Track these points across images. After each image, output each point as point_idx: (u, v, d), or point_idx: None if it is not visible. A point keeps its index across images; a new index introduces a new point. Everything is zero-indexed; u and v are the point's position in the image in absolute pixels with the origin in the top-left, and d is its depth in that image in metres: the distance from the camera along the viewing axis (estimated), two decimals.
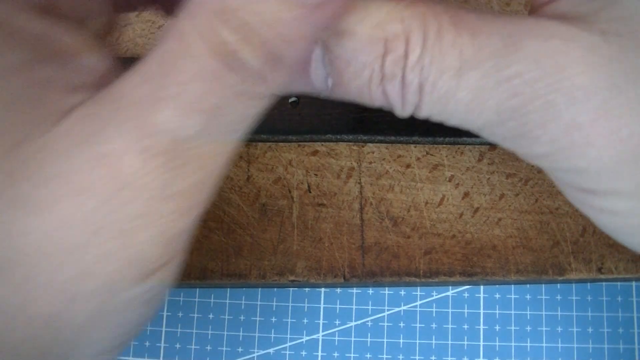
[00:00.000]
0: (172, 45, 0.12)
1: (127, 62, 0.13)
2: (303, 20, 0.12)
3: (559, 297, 0.24)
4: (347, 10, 0.13)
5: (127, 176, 0.12)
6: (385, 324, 0.23)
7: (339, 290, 0.24)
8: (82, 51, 0.13)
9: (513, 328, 0.23)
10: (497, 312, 0.24)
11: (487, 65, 0.14)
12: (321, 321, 0.23)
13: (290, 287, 0.24)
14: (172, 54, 0.12)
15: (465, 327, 0.23)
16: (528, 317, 0.24)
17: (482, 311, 0.24)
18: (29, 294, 0.12)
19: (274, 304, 0.24)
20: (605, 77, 0.14)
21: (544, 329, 0.23)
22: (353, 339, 0.23)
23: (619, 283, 0.24)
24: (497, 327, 0.23)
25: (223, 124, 0.13)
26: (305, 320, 0.23)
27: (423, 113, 0.15)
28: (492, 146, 0.23)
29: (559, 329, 0.23)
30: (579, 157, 0.14)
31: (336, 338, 0.23)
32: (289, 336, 0.23)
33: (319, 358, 0.23)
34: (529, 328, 0.23)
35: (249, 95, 0.13)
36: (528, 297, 0.24)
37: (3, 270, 0.12)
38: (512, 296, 0.24)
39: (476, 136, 0.23)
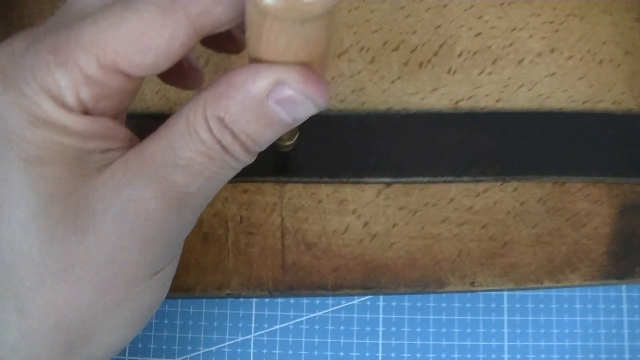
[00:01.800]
0: (184, 128, 0.19)
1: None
2: (281, 132, 0.19)
3: (444, 305, 0.30)
4: None
5: (149, 213, 0.19)
6: (304, 327, 0.29)
7: (266, 300, 0.30)
8: (114, 133, 0.20)
9: (406, 329, 0.29)
10: (394, 316, 0.29)
11: None
12: (253, 324, 0.29)
13: (227, 298, 0.29)
14: (184, 135, 0.18)
15: (368, 329, 0.29)
16: (418, 321, 0.29)
17: (381, 316, 0.29)
18: (82, 290, 0.19)
19: (216, 311, 0.30)
20: None
21: (430, 330, 0.29)
22: (278, 339, 0.29)
23: (492, 293, 0.30)
24: (393, 329, 0.29)
25: (213, 184, 0.19)
26: (240, 324, 0.29)
27: None
28: (388, 184, 0.29)
29: (443, 329, 0.29)
30: None
31: (265, 338, 0.29)
32: (227, 337, 0.29)
33: (252, 354, 0.29)
34: (418, 329, 0.29)
35: (232, 169, 0.20)
36: (419, 304, 0.29)
37: (66, 271, 0.18)
38: (406, 304, 0.30)
39: (375, 176, 0.29)
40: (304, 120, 0.19)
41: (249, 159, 0.20)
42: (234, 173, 0.20)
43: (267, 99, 0.18)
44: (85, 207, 0.18)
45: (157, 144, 0.19)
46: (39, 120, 0.18)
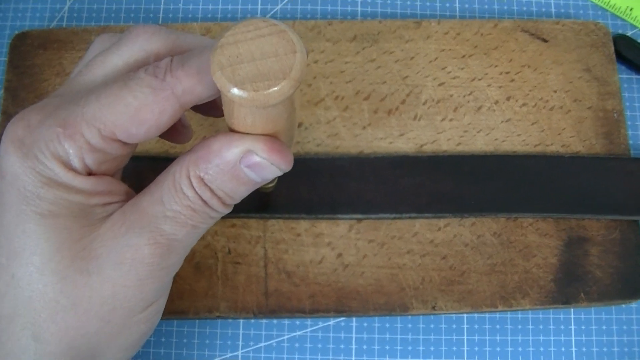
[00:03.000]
0: (170, 185, 0.23)
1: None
2: (252, 189, 0.23)
3: (410, 325, 0.33)
4: None
5: (144, 257, 0.23)
6: (286, 345, 0.33)
7: (252, 320, 0.33)
8: (113, 189, 0.24)
9: (376, 347, 0.33)
10: (365, 336, 0.33)
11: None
12: (240, 342, 0.33)
13: (217, 319, 0.33)
14: (171, 191, 0.22)
15: (342, 347, 0.33)
16: (387, 340, 0.33)
17: (354, 335, 0.33)
18: (88, 321, 0.23)
19: (207, 330, 0.33)
20: None
21: (398, 348, 0.33)
22: (263, 355, 0.33)
23: (453, 315, 0.33)
24: (365, 347, 0.33)
25: (196, 231, 0.23)
26: (229, 342, 0.33)
27: None
28: (359, 220, 0.33)
29: (409, 347, 0.33)
30: None
31: (251, 355, 0.33)
32: (217, 353, 0.33)
33: None
34: (387, 347, 0.33)
35: (212, 218, 0.24)
36: (387, 325, 0.33)
37: (75, 305, 0.22)
38: (376, 324, 0.33)
39: (348, 213, 0.33)
40: (272, 179, 0.23)
41: (226, 210, 0.24)
42: (213, 222, 0.24)
43: (239, 164, 0.22)
44: (90, 253, 0.22)
45: (149, 198, 0.23)
46: (51, 181, 0.22)
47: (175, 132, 0.27)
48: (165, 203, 0.22)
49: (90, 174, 0.23)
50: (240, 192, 0.23)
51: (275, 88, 0.18)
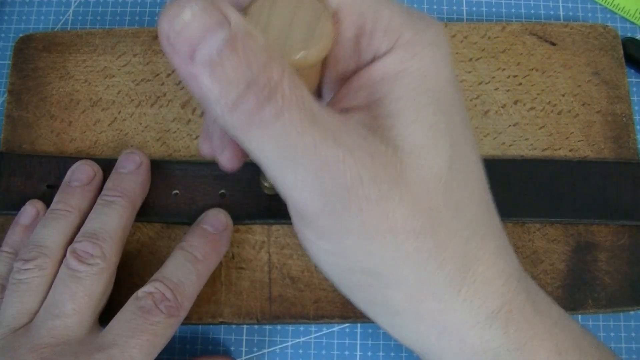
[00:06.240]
0: None
1: None
2: None
3: None
4: None
5: None
6: (289, 351, 0.33)
7: (256, 326, 0.33)
8: None
9: (381, 354, 0.33)
10: (370, 342, 0.33)
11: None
12: (243, 348, 0.33)
13: (221, 325, 0.33)
14: None
15: (347, 353, 0.33)
16: (392, 346, 0.33)
17: (358, 342, 0.33)
18: None
19: (210, 336, 0.33)
20: None
21: (403, 354, 0.33)
22: None
23: None
24: (370, 354, 0.33)
25: None
26: (232, 348, 0.33)
27: None
28: None
29: (415, 354, 0.33)
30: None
31: None
32: None
33: None
34: (392, 354, 0.33)
35: None
36: None
37: None
38: (381, 331, 0.33)
39: None
40: None
41: None
42: None
43: None
44: None
45: None
46: None
47: None
48: None
49: None
50: None
51: (314, 48, 0.19)
